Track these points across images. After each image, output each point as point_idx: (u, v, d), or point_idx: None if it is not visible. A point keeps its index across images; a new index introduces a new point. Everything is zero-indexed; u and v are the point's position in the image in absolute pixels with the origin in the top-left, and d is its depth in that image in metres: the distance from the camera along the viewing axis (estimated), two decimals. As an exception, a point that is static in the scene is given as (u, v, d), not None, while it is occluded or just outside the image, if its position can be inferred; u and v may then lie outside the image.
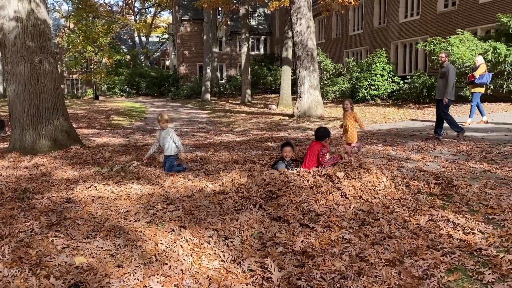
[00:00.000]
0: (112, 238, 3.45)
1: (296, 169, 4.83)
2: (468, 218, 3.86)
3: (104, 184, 5.10)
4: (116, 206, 4.27)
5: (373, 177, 4.58)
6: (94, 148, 8.24)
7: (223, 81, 42.10)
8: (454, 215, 3.93)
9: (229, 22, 43.60)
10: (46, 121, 7.68)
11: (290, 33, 19.59)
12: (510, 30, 14.12)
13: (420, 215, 3.88)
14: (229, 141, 10.64)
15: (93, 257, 3.11)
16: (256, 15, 45.90)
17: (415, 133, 9.87)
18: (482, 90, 10.66)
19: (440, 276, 2.79)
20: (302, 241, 3.29)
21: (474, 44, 14.67)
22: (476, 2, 18.04)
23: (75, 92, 51.20)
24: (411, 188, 4.76)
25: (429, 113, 14.25)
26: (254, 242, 3.33)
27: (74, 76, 48.51)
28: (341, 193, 4.11)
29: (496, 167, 5.79)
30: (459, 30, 15.84)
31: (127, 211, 4.11)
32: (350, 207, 3.85)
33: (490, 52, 13.98)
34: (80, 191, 4.86)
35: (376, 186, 4.42)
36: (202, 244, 3.32)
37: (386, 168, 5.75)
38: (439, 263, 2.95)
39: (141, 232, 3.55)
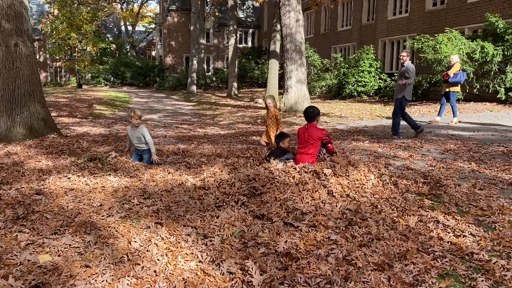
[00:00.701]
0: (82, 234, 3.20)
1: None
2: (458, 220, 3.71)
3: (78, 176, 4.83)
4: (90, 200, 4.01)
5: (360, 175, 4.41)
6: (72, 138, 7.91)
7: (210, 73, 41.65)
8: (444, 216, 3.78)
9: (217, 14, 43.11)
10: (21, 108, 7.32)
11: (278, 26, 19.32)
12: (498, 30, 14.12)
13: (409, 216, 3.72)
14: (214, 134, 10.40)
15: (59, 255, 2.87)
16: (244, 7, 45.48)
17: (401, 131, 9.75)
18: (458, 89, 10.55)
19: (431, 282, 2.62)
20: (285, 242, 3.10)
21: (462, 43, 14.64)
22: (464, 1, 18.04)
23: (59, 80, 50.11)
24: (399, 187, 4.60)
25: (415, 111, 14.20)
26: (234, 241, 3.12)
27: (58, 64, 47.44)
28: (328, 191, 3.92)
29: (484, 167, 5.69)
30: (448, 28, 15.81)
31: (101, 205, 3.85)
32: (336, 206, 3.67)
33: (478, 51, 13.97)
34: (52, 182, 4.58)
35: (364, 184, 4.25)
36: (179, 242, 3.10)
37: (373, 165, 5.59)
38: (430, 268, 2.79)
39: (114, 228, 3.31)
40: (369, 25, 25.04)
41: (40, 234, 3.21)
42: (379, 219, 3.55)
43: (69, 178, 4.73)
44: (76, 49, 36.40)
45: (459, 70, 10.32)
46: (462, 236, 3.39)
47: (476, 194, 4.49)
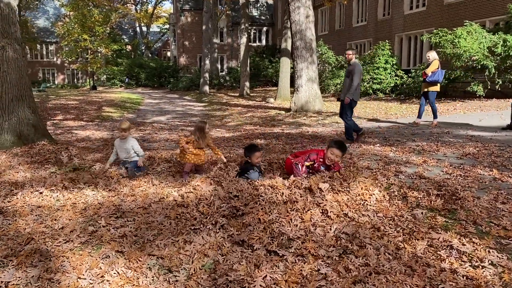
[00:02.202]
0: (27, 267, 2.74)
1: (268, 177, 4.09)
2: (477, 244, 3.13)
3: (52, 190, 4.40)
4: (54, 220, 3.57)
5: (363, 189, 3.85)
6: (63, 144, 7.53)
7: (224, 73, 41.25)
8: (459, 239, 3.20)
9: (230, 12, 42.67)
10: (9, 113, 6.96)
11: (289, 23, 18.75)
12: (522, 22, 13.27)
13: (417, 240, 3.16)
14: (217, 137, 9.92)
15: (-9, 297, 2.42)
16: (258, 5, 44.92)
17: (417, 132, 9.11)
18: (437, 88, 9.79)
19: (440, 337, 2.08)
20: (265, 277, 2.58)
21: (482, 36, 13.81)
22: (485, -8, 17.14)
23: (76, 83, 50.55)
24: (408, 201, 4.03)
25: (433, 109, 13.44)
26: (203, 277, 2.61)
27: (74, 66, 47.77)
28: (322, 210, 3.37)
29: (508, 175, 5.04)
30: (467, 21, 14.96)
31: (63, 227, 3.40)
32: (331, 229, 3.12)
33: (500, 45, 13.12)
34: (21, 198, 4.15)
35: (366, 200, 3.69)
36: (137, 278, 2.61)
37: (381, 174, 5.02)
38: (439, 316, 2.24)
39: (67, 258, 2.84)
40: (385, 20, 24.21)
41: (-19, 266, 2.77)
42: (380, 246, 2.99)
43: (41, 193, 4.30)
44: (89, 51, 36.40)
45: (437, 68, 9.59)
46: (480, 267, 2.81)
47: (498, 209, 3.89)
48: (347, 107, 8.10)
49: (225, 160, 5.39)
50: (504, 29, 14.36)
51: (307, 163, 4.61)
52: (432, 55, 9.94)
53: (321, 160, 4.66)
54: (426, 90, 9.89)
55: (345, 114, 8.16)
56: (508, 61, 13.21)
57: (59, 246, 3.05)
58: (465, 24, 14.74)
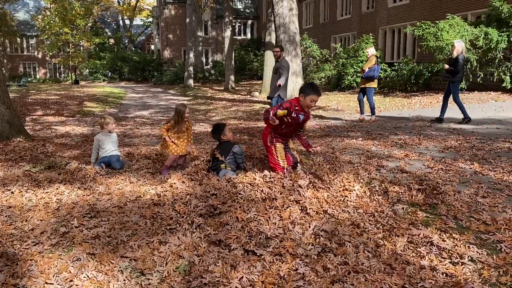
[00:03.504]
0: (-8, 272, 2.61)
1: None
2: (457, 240, 3.10)
3: (25, 189, 4.25)
4: (24, 221, 3.43)
5: (344, 184, 3.79)
6: (39, 141, 7.32)
7: (209, 66, 40.93)
8: (440, 234, 3.17)
9: (214, 5, 42.27)
10: (-18, 110, 6.75)
11: (273, 16, 18.61)
12: (502, 15, 13.34)
13: (398, 236, 3.11)
14: (200, 132, 9.79)
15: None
16: (243, -2, 44.61)
17: (400, 125, 9.12)
18: (374, 85, 9.73)
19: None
20: (241, 278, 2.50)
21: (464, 29, 13.88)
22: (467, -15, 17.23)
23: (58, 77, 49.62)
24: (389, 196, 3.99)
25: (416, 103, 13.52)
26: (177, 279, 2.52)
27: (55, 60, 46.92)
28: (301, 207, 3.30)
29: (488, 168, 5.05)
30: (449, 14, 15.03)
31: (33, 228, 3.27)
32: (309, 227, 3.06)
33: (481, 38, 13.19)
34: (-9, 198, 4.00)
35: (347, 196, 3.64)
36: (108, 282, 2.51)
37: (363, 168, 4.98)
38: (417, 316, 2.19)
39: (35, 262, 2.72)
40: (369, 13, 24.22)
41: None
42: (359, 243, 2.94)
43: (12, 192, 4.15)
44: (70, 45, 35.70)
45: (374, 64, 9.58)
46: (460, 263, 2.78)
47: (478, 203, 3.87)
48: (273, 103, 7.95)
49: (192, 150, 5.38)
50: (486, 22, 14.45)
51: (280, 111, 4.24)
52: (371, 50, 9.91)
53: (296, 108, 4.33)
54: (363, 86, 9.83)
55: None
56: (490, 54, 13.31)
57: (27, 249, 2.92)
58: (447, 17, 14.80)
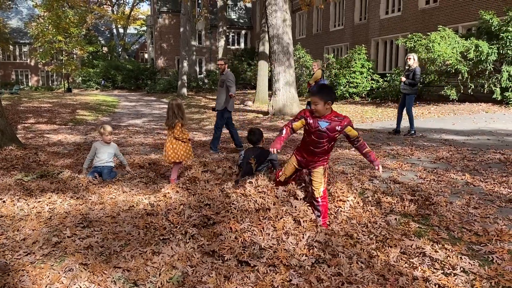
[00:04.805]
0: (-17, 283, 2.59)
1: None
2: (449, 251, 3.12)
3: (16, 198, 4.21)
4: (16, 231, 3.40)
5: (337, 195, 3.81)
6: (31, 150, 7.28)
7: (203, 75, 41.00)
8: (432, 245, 3.19)
9: (208, 15, 42.46)
10: (-26, 118, 6.70)
11: (266, 27, 18.76)
12: (492, 27, 13.56)
13: (390, 247, 3.13)
14: (194, 141, 9.78)
15: None
16: (236, 8, 44.90)
17: (392, 136, 9.19)
18: None
19: None
20: (234, 289, 2.50)
21: (455, 41, 14.08)
22: (458, -2, 17.52)
23: (51, 85, 49.39)
24: (382, 206, 4.01)
25: (408, 113, 13.61)
26: (170, 290, 2.51)
27: (48, 68, 46.74)
28: (295, 218, 3.32)
29: (479, 179, 5.10)
30: (441, 26, 15.25)
31: (25, 238, 3.24)
32: (303, 238, 3.07)
33: (472, 50, 13.39)
34: (-18, 208, 3.96)
35: (340, 207, 3.65)
36: (101, 293, 2.49)
37: (356, 178, 5.01)
38: (410, 327, 2.20)
39: (27, 272, 2.70)
40: (361, 24, 24.50)
41: None
42: (353, 254, 2.95)
43: (4, 201, 4.12)
44: (63, 53, 35.61)
45: (320, 78, 9.71)
46: (452, 274, 2.80)
47: (470, 214, 3.91)
48: (219, 117, 7.89)
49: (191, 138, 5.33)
50: (476, 34, 14.68)
51: (295, 123, 3.71)
52: (317, 64, 10.05)
53: (312, 116, 3.74)
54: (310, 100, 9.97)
55: (216, 124, 7.99)
56: (480, 66, 13.50)
57: (19, 259, 2.90)
58: (438, 29, 15.01)
